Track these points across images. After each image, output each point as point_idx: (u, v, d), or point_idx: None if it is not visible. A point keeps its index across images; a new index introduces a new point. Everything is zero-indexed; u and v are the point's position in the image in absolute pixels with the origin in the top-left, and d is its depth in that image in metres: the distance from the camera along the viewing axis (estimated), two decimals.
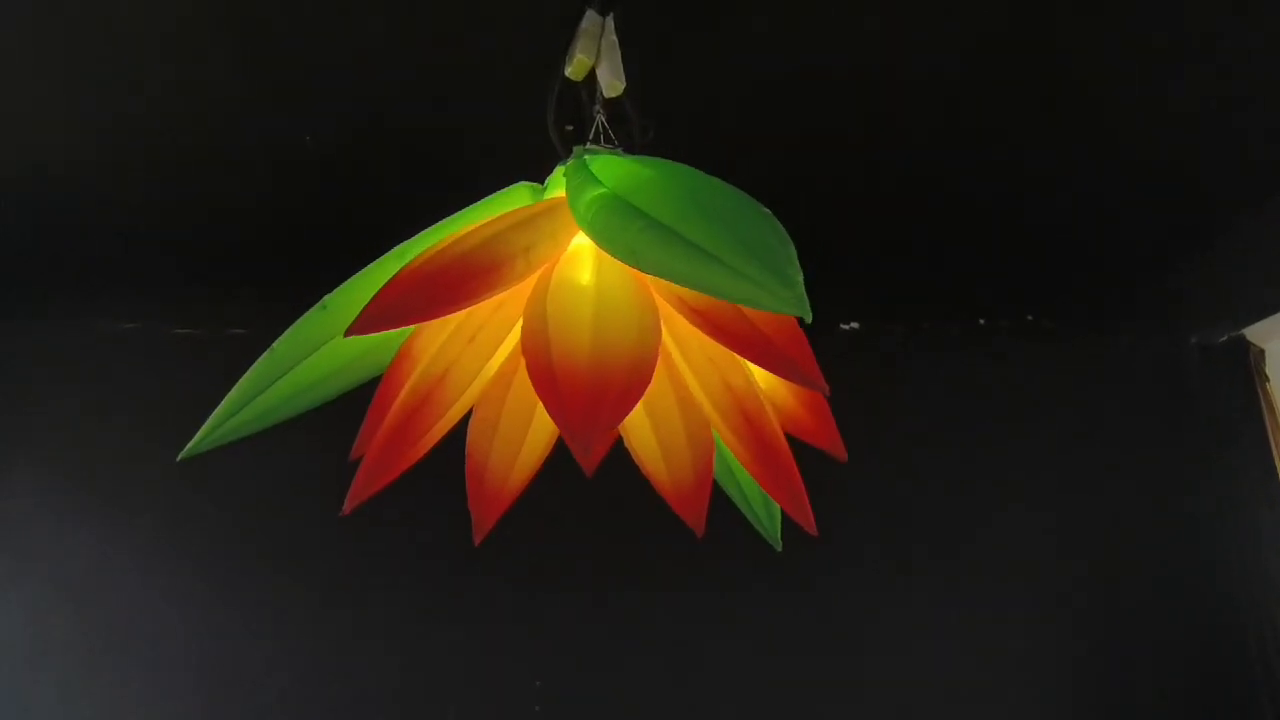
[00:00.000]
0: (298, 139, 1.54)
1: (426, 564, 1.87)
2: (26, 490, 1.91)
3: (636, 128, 0.96)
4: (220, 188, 1.68)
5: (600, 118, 0.96)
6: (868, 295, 2.10)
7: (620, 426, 0.84)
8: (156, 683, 1.80)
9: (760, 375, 0.82)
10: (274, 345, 0.76)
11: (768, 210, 0.61)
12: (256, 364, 0.77)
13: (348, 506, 0.75)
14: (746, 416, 0.79)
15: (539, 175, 0.84)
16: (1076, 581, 1.91)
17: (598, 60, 0.95)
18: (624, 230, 0.60)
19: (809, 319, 0.55)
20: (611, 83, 0.93)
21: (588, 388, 0.61)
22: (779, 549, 0.99)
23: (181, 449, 2.00)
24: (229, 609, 1.85)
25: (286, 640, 1.83)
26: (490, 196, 0.83)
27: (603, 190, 0.65)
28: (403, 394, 0.74)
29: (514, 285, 0.68)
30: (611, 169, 0.69)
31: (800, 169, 1.66)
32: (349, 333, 0.64)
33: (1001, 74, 1.40)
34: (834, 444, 0.83)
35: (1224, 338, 1.98)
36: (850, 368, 2.05)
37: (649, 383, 0.63)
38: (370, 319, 0.64)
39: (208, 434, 0.76)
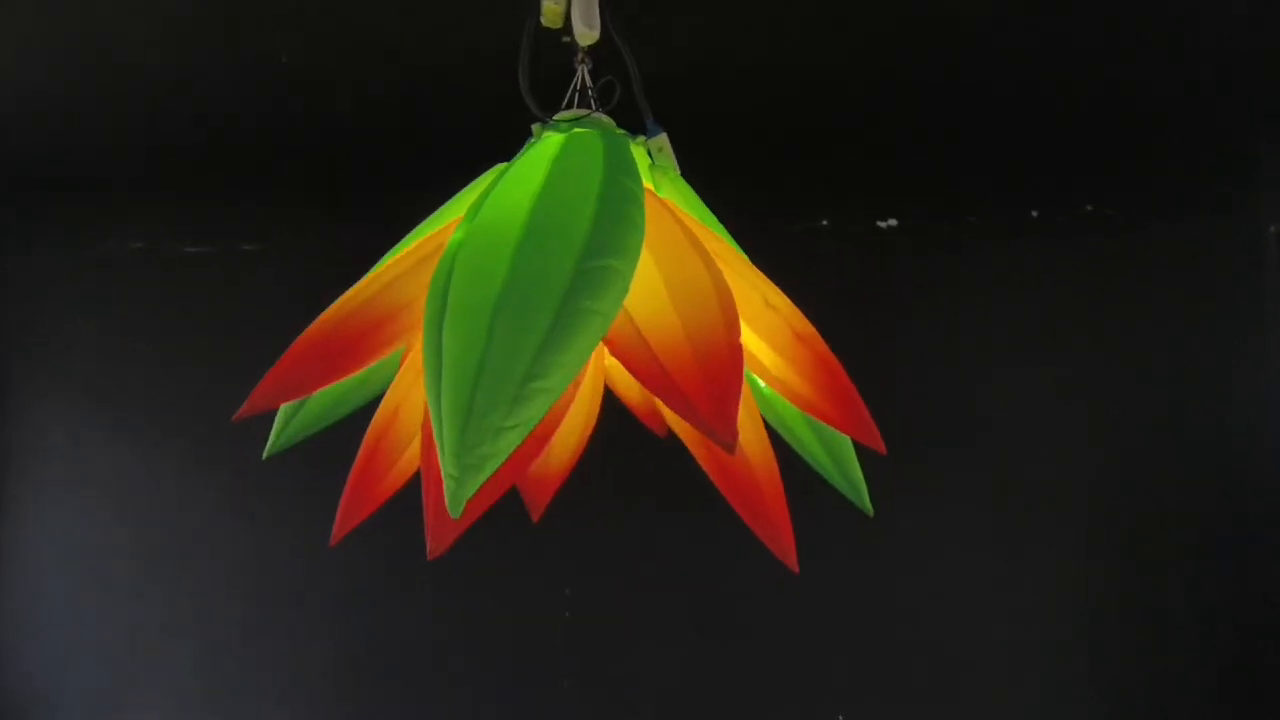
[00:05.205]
0: (281, 55, 1.43)
1: None
2: (69, 414, 1.96)
3: (636, 81, 0.83)
4: (222, 104, 1.62)
5: (583, 69, 0.83)
6: (909, 189, 1.93)
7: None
8: (210, 586, 1.90)
9: (771, 357, 0.72)
10: None
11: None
12: None
13: (333, 540, 0.77)
14: (798, 335, 0.69)
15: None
16: (1133, 479, 1.85)
17: (570, 3, 0.81)
18: (429, 303, 0.55)
19: (456, 511, 0.49)
20: (583, 30, 0.80)
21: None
22: (870, 514, 0.83)
23: (203, 365, 2.01)
24: (274, 513, 1.90)
25: (325, 543, 1.88)
26: (467, 187, 0.78)
27: (459, 234, 0.58)
28: (365, 435, 0.70)
29: (416, 333, 0.62)
30: (517, 180, 0.62)
31: (833, 58, 1.51)
32: (237, 416, 0.62)
33: None
34: (867, 434, 0.70)
35: None
36: (889, 267, 1.94)
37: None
38: (262, 396, 0.61)
39: (275, 440, 0.79)
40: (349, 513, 0.74)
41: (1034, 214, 1.95)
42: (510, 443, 0.49)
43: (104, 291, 1.98)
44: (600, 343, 0.60)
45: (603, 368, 0.92)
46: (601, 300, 0.53)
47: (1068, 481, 1.86)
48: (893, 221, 1.95)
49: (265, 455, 0.81)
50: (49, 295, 1.99)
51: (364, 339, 0.61)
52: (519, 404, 0.49)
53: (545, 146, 0.66)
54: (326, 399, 0.79)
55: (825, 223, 1.95)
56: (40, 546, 1.93)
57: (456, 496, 0.48)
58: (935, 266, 1.93)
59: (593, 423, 0.91)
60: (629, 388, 0.97)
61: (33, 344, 1.98)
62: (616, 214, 0.58)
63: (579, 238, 0.55)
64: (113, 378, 1.96)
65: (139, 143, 1.75)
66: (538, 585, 1.88)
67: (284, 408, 0.79)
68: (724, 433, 0.52)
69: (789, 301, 0.71)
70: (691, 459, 0.88)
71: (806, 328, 0.71)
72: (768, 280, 0.72)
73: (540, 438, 0.57)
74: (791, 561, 0.71)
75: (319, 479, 1.81)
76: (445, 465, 0.49)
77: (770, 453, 0.73)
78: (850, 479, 0.82)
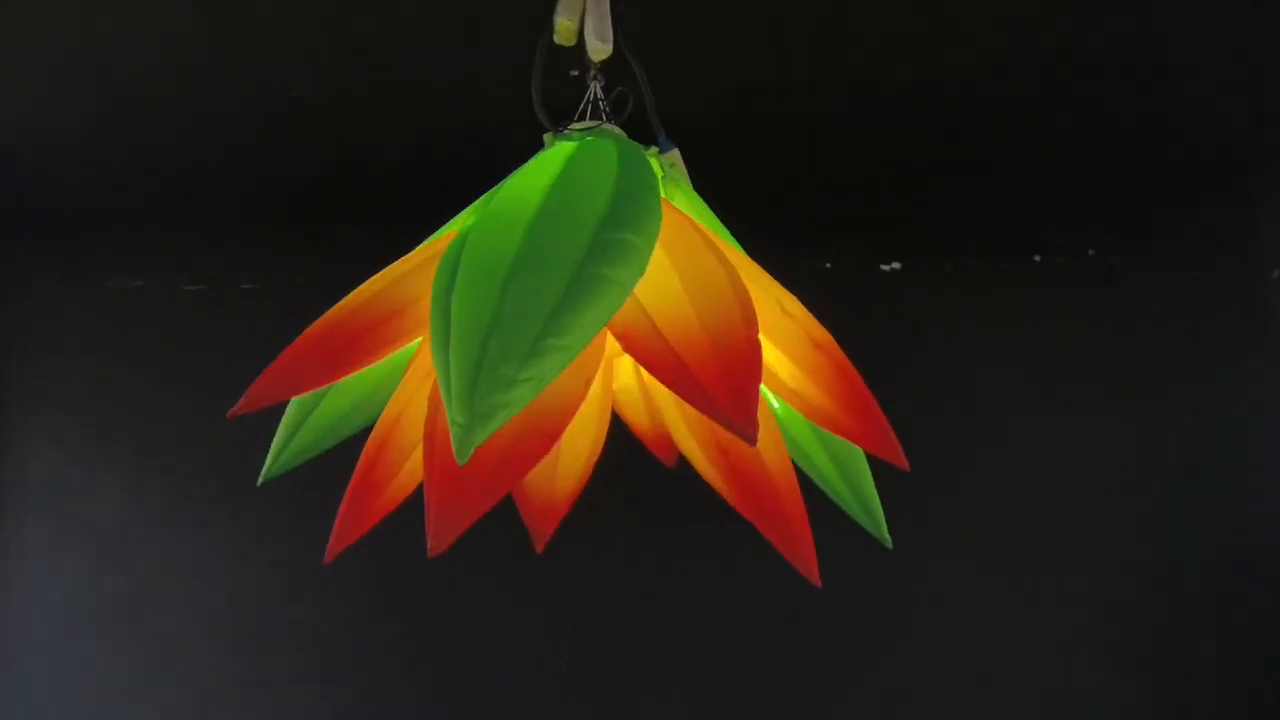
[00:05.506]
0: (290, 90, 1.45)
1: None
2: (55, 452, 1.92)
3: (648, 97, 0.82)
4: (222, 140, 1.62)
5: (596, 85, 0.83)
6: (911, 233, 1.94)
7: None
8: (191, 633, 1.83)
9: (787, 368, 0.69)
10: None
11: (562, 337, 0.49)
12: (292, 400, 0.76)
13: (327, 558, 0.72)
14: (816, 343, 0.67)
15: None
16: (1138, 530, 1.81)
17: (583, 19, 0.81)
18: (438, 277, 0.53)
19: (464, 459, 0.46)
20: (596, 45, 0.80)
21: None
22: (889, 547, 0.79)
23: (196, 406, 1.99)
24: (259, 559, 1.86)
25: (316, 589, 1.84)
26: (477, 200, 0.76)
27: (470, 220, 0.57)
28: (365, 444, 0.68)
29: (424, 330, 0.61)
30: (531, 173, 0.61)
31: (835, 103, 1.53)
32: (233, 413, 0.59)
33: None
34: (889, 448, 0.67)
35: None
36: (893, 311, 1.93)
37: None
38: (260, 391, 0.59)
39: (271, 464, 0.76)
40: (347, 526, 0.70)
41: (1036, 258, 1.96)
42: (523, 396, 0.47)
43: (101, 328, 1.96)
44: (613, 339, 0.58)
45: (610, 392, 0.90)
46: (619, 269, 0.51)
47: (1068, 527, 1.82)
48: (896, 265, 1.95)
49: (260, 481, 0.78)
50: (46, 330, 1.96)
51: (369, 334, 0.59)
52: (532, 358, 0.47)
53: (559, 149, 0.65)
54: (324, 421, 0.76)
55: (829, 265, 1.95)
56: (18, 586, 1.87)
57: (464, 444, 0.45)
58: (938, 309, 1.93)
59: (600, 448, 0.89)
60: (637, 414, 0.95)
61: (24, 379, 1.95)
62: (634, 198, 0.57)
63: (596, 213, 0.54)
64: (104, 416, 1.92)
65: (140, 178, 1.75)
66: (536, 626, 1.82)
67: (280, 430, 0.76)
68: (743, 423, 0.50)
69: (805, 310, 0.70)
70: (703, 488, 0.85)
71: (824, 336, 0.69)
72: (783, 288, 0.70)
73: (548, 435, 0.54)
74: (814, 576, 0.67)
75: (308, 526, 1.78)
76: (453, 415, 0.46)
77: (788, 460, 0.71)
78: (867, 508, 0.79)
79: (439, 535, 0.50)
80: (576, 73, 0.89)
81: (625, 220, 0.54)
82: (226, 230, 1.95)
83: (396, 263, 0.63)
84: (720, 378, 0.52)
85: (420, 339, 0.65)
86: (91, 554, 1.87)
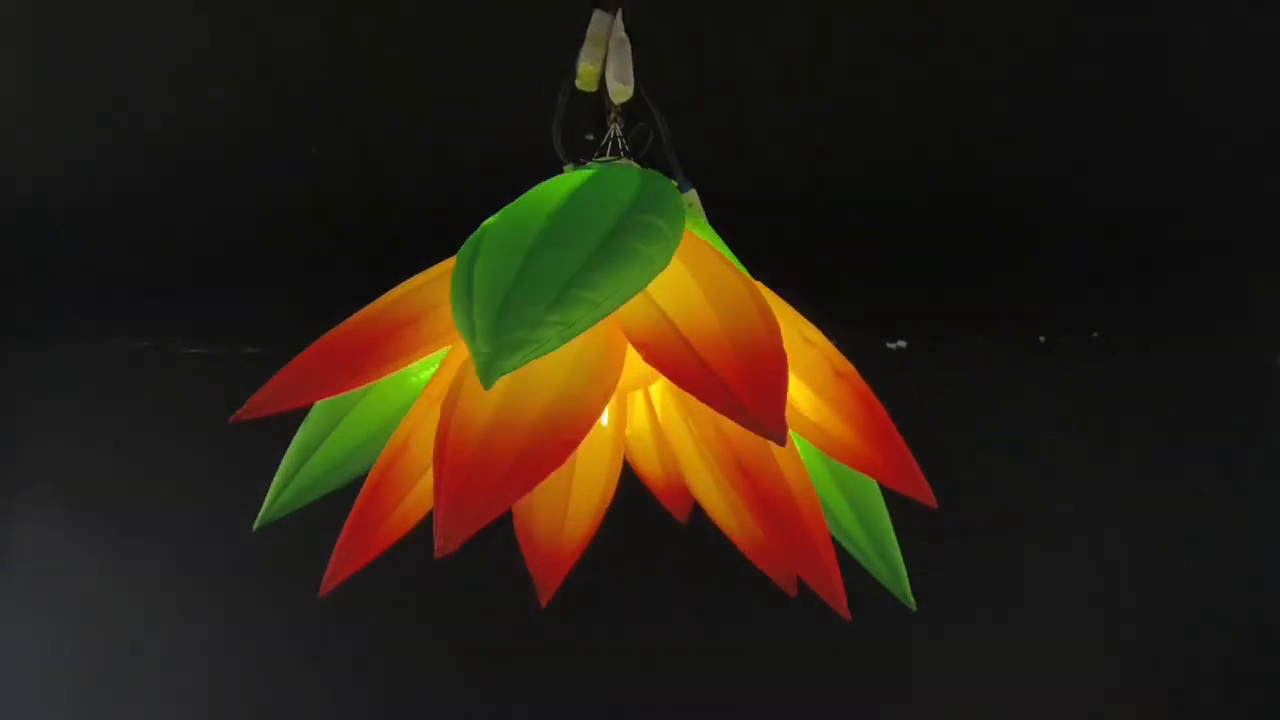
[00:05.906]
0: (306, 149, 1.47)
1: (448, 588, 1.78)
2: (42, 512, 1.88)
3: (665, 136, 0.83)
4: (231, 202, 1.63)
5: (616, 128, 0.84)
6: (917, 312, 1.95)
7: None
8: (168, 709, 1.76)
9: (809, 399, 0.68)
10: (310, 412, 0.73)
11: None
12: (299, 431, 0.74)
13: (323, 590, 0.68)
14: (837, 372, 0.67)
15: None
16: (1150, 620, 1.76)
17: (605, 64, 0.83)
18: (461, 253, 0.52)
19: (489, 383, 0.44)
20: (617, 87, 0.81)
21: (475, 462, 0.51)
22: (913, 608, 0.76)
23: (194, 471, 1.95)
24: (242, 635, 1.80)
25: (300, 667, 1.78)
26: None
27: (492, 220, 0.57)
28: (370, 471, 0.66)
29: (442, 341, 0.59)
30: (554, 182, 0.61)
31: (842, 180, 1.56)
32: (235, 418, 0.58)
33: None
34: (914, 483, 0.66)
35: None
36: (898, 389, 1.91)
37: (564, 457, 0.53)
38: (265, 398, 0.57)
39: (270, 505, 0.73)
40: (345, 557, 0.66)
41: (1041, 339, 1.96)
42: (549, 338, 0.45)
43: (102, 389, 1.94)
44: (634, 346, 0.56)
45: (624, 436, 0.88)
46: (647, 245, 0.51)
47: (1071, 606, 1.77)
48: (902, 343, 1.95)
49: (257, 524, 0.74)
50: (45, 389, 1.94)
51: (384, 341, 0.57)
52: (560, 304, 0.46)
53: (579, 173, 0.66)
54: (330, 457, 0.73)
55: (835, 341, 1.95)
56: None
57: (488, 371, 0.43)
58: (943, 387, 1.92)
59: (610, 495, 0.86)
60: (649, 461, 0.92)
61: (20, 438, 1.92)
62: (658, 197, 0.57)
63: (623, 201, 0.54)
64: (102, 477, 1.88)
65: (145, 240, 1.75)
66: (541, 680, 1.74)
67: (284, 465, 0.73)
68: (772, 425, 0.48)
69: (826, 339, 0.68)
70: (715, 539, 0.82)
71: (845, 365, 0.68)
72: (803, 317, 0.69)
73: (565, 442, 0.52)
74: (841, 607, 0.63)
75: (289, 598, 1.73)
76: (476, 346, 0.44)
77: (810, 483, 0.68)
78: (890, 562, 0.75)
79: (447, 535, 0.47)
80: (591, 136, 0.91)
81: (652, 208, 0.55)
82: (231, 294, 1.96)
83: (417, 275, 0.62)
84: (746, 380, 0.50)
85: (437, 355, 0.63)
86: (71, 622, 1.81)
